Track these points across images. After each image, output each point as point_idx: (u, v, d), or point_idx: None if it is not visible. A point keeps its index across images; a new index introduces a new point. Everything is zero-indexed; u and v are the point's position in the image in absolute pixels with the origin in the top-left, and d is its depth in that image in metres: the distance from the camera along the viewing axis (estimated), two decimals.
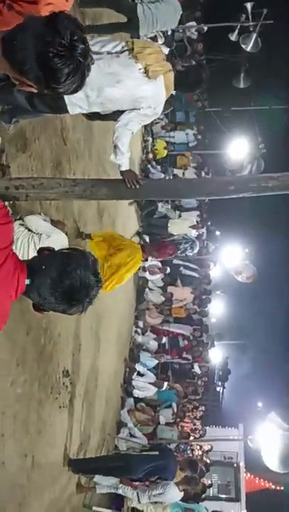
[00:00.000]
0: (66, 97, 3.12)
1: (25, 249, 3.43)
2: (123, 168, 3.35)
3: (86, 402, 6.28)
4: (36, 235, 3.52)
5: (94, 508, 6.28)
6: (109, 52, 3.18)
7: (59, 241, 3.64)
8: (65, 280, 1.54)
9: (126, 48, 3.23)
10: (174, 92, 3.59)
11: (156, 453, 6.25)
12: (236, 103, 15.15)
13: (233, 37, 11.30)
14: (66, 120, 5.29)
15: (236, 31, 11.10)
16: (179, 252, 6.51)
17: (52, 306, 1.59)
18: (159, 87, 3.30)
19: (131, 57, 3.21)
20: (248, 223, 17.21)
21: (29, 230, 3.65)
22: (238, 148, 12.14)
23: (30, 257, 1.69)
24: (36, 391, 4.41)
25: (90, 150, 6.42)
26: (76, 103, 3.21)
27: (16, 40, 1.41)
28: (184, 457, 8.42)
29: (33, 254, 3.01)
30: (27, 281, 1.57)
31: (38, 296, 1.59)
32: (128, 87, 3.20)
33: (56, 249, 1.67)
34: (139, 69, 3.20)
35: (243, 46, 11.05)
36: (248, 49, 11.04)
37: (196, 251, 7.51)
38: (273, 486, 14.28)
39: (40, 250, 1.67)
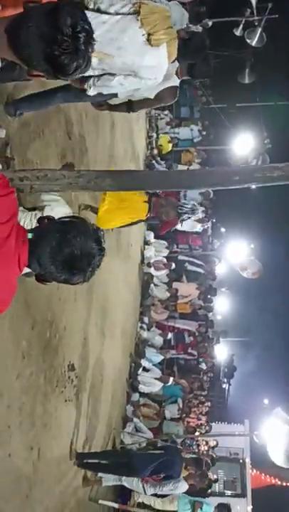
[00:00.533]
0: None
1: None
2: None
3: (92, 396, 6.29)
4: (39, 211, 3.47)
5: (100, 501, 6.31)
6: (117, 12, 3.08)
7: (61, 213, 3.57)
8: (64, 248, 1.50)
9: (132, 10, 3.10)
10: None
11: (162, 451, 6.25)
12: (241, 99, 15.08)
13: (238, 32, 11.23)
14: (70, 114, 5.29)
15: (241, 26, 11.03)
16: (182, 218, 6.44)
17: (53, 276, 1.56)
18: (161, 56, 3.21)
19: (136, 21, 3.09)
20: (253, 219, 17.16)
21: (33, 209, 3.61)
22: (243, 144, 12.10)
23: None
24: (42, 384, 4.43)
25: (94, 144, 6.42)
26: None
27: (20, 37, 1.42)
28: (189, 452, 8.44)
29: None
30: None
31: (38, 266, 1.55)
32: (129, 54, 3.11)
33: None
34: (142, 35, 3.09)
35: (248, 41, 10.98)
36: (253, 44, 10.98)
37: (199, 214, 7.49)
38: (280, 482, 14.26)
39: (40, 220, 1.64)
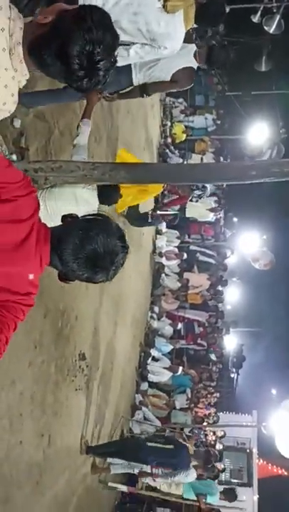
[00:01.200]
0: None
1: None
2: None
3: (102, 385, 6.35)
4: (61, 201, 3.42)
5: (109, 483, 6.40)
6: None
7: (80, 196, 3.53)
8: (86, 246, 1.47)
9: None
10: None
11: (171, 447, 6.29)
12: (257, 87, 14.82)
13: (256, 19, 11.00)
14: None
15: (259, 13, 10.81)
16: (193, 197, 6.43)
17: (76, 274, 1.53)
18: (177, 23, 3.14)
19: None
20: (266, 210, 16.99)
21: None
22: (258, 133, 11.93)
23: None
24: (53, 373, 4.47)
25: (108, 134, 6.38)
26: None
27: (42, 55, 1.42)
28: (197, 439, 8.51)
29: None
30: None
31: (60, 263, 1.53)
32: (144, 21, 3.06)
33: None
34: (158, 0, 3.06)
35: (266, 28, 10.74)
36: (271, 31, 10.74)
37: (208, 193, 7.43)
38: (286, 473, 14.31)
39: (64, 218, 1.62)
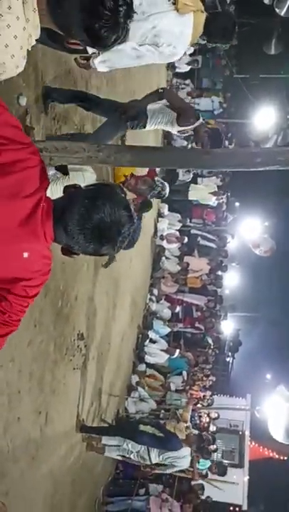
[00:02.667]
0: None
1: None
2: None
3: (99, 364, 6.43)
4: (66, 177, 3.39)
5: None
6: None
7: (88, 180, 3.50)
8: (93, 215, 1.40)
9: None
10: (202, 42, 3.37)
11: (162, 435, 6.39)
12: (265, 70, 14.60)
13: (267, 0, 10.80)
14: (91, 82, 5.19)
15: None
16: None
17: (82, 246, 1.46)
18: (186, 24, 3.00)
19: None
20: (270, 196, 16.90)
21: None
22: (265, 118, 11.79)
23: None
24: (52, 352, 4.52)
25: None
26: None
27: (62, 6, 1.39)
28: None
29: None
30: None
31: (65, 235, 1.45)
32: (151, 17, 2.92)
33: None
34: (168, 0, 2.94)
35: (277, 10, 10.53)
36: (282, 13, 10.53)
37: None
38: (277, 456, 14.59)
39: (67, 188, 1.54)
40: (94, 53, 3.09)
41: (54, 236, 1.49)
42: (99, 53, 3.05)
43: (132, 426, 6.68)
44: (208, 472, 8.01)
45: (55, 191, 3.17)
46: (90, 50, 2.94)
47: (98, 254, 1.50)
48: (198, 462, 7.09)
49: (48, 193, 1.53)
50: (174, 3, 2.95)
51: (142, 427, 6.39)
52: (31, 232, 1.44)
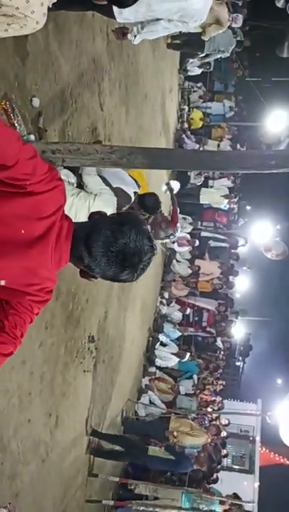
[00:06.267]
0: (116, 9, 3.32)
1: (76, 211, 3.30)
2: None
3: (109, 367, 6.41)
4: (87, 195, 3.38)
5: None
6: None
7: (110, 201, 3.49)
8: (119, 239, 1.43)
9: None
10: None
11: (172, 458, 6.34)
12: (278, 73, 14.55)
13: (280, 3, 10.74)
14: (104, 84, 5.20)
15: None
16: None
17: (102, 270, 1.48)
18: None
19: None
20: (281, 199, 16.79)
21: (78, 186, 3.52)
22: (277, 121, 11.72)
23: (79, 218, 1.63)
24: (63, 354, 4.51)
25: (126, 115, 6.32)
26: (126, 16, 3.49)
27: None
28: (201, 421, 8.58)
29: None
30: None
31: (88, 257, 1.47)
32: (176, 2, 3.46)
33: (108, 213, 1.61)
34: None
35: None
36: None
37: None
38: (288, 462, 14.44)
39: (92, 215, 1.58)
40: (132, 30, 3.72)
41: (72, 258, 1.53)
42: (137, 31, 3.67)
43: (141, 451, 6.61)
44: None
45: (68, 203, 3.18)
46: (119, 16, 3.45)
47: (116, 280, 1.51)
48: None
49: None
50: None
51: (150, 451, 6.36)
52: (40, 253, 1.47)
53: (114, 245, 1.43)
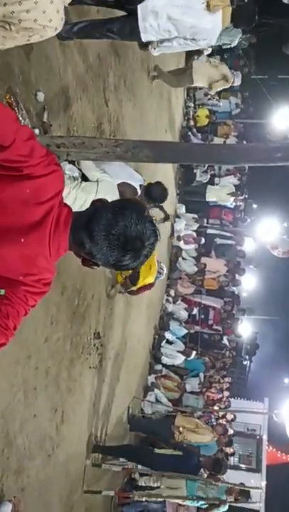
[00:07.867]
0: (141, 24, 3.85)
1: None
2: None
3: (115, 364, 6.40)
4: (90, 186, 3.37)
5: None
6: None
7: (112, 189, 3.46)
8: (120, 221, 1.40)
9: None
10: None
11: (180, 453, 6.28)
12: (284, 70, 14.48)
13: (287, 0, 10.67)
14: (109, 80, 5.19)
15: None
16: None
17: (104, 255, 1.44)
18: (217, 20, 3.97)
19: None
20: (288, 196, 16.70)
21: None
22: (283, 119, 11.67)
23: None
24: (68, 350, 4.51)
25: (131, 111, 6.31)
26: (150, 32, 3.95)
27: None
28: (208, 419, 8.54)
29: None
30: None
31: (90, 242, 1.43)
32: (190, 19, 3.87)
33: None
34: (202, 3, 3.88)
35: None
36: None
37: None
38: None
39: (93, 202, 1.55)
40: (152, 45, 4.20)
41: (72, 246, 1.51)
42: (156, 44, 4.15)
43: (146, 453, 6.58)
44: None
45: (71, 196, 3.17)
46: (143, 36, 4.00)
47: (118, 266, 1.48)
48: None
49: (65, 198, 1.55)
50: (207, 6, 3.91)
51: (157, 450, 6.33)
52: (37, 240, 1.45)
53: (115, 228, 1.40)
